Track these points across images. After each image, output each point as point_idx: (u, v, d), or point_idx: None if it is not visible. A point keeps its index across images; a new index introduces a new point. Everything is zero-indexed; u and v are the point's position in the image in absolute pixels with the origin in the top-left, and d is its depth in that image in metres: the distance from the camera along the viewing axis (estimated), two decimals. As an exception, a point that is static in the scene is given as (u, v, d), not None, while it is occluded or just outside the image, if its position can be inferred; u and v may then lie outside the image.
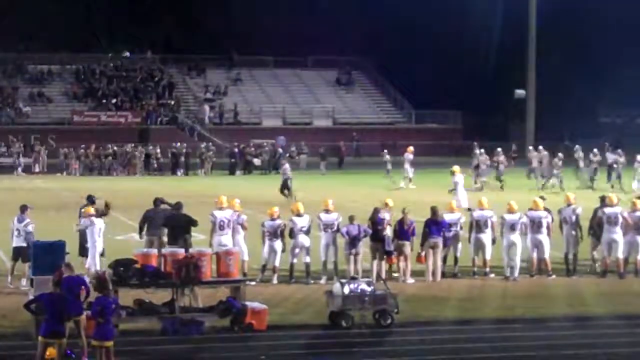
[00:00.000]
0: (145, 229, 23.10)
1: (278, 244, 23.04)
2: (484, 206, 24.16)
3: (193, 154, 64.18)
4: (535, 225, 23.69)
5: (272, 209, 23.51)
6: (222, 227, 23.14)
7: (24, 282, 21.86)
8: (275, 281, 22.95)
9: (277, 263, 23.09)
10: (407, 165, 50.60)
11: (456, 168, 38.64)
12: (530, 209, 24.09)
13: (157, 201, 23.78)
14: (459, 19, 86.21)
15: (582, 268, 24.48)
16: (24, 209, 22.93)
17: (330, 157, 67.33)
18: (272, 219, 23.16)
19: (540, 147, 53.51)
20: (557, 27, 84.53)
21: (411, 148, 51.73)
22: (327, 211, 23.48)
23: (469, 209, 30.12)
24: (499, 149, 53.12)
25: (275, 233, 23.04)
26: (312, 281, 22.82)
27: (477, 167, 50.44)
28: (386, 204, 24.27)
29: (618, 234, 23.83)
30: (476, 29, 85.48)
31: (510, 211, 23.88)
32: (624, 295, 21.85)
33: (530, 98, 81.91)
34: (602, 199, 25.02)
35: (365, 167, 63.41)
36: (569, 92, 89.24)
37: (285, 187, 43.33)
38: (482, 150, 52.23)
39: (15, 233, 22.49)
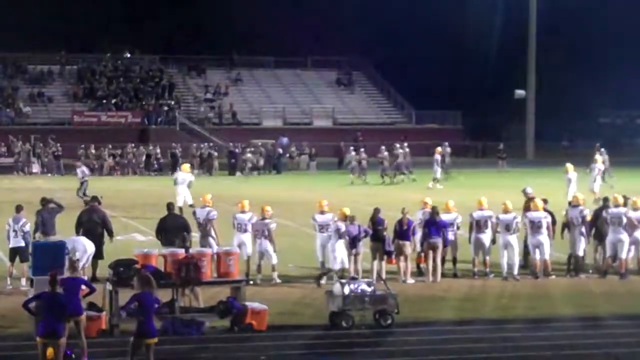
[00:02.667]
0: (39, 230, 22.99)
1: (267, 244, 22.95)
2: (483, 206, 24.15)
3: (192, 155, 64.25)
4: (535, 226, 23.67)
5: (265, 207, 23.47)
6: (199, 225, 23.26)
7: (23, 281, 21.84)
8: (277, 280, 22.87)
9: (274, 261, 22.99)
10: (436, 166, 50.46)
11: (186, 167, 38.80)
12: (530, 210, 24.08)
13: (44, 201, 23.75)
14: (459, 19, 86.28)
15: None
16: (19, 209, 22.89)
17: (331, 157, 67.40)
18: (263, 218, 23.13)
19: (405, 144, 57.45)
20: (557, 27, 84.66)
21: (439, 149, 51.75)
22: (322, 212, 23.44)
23: (191, 206, 32.81)
24: (383, 147, 56.61)
25: (263, 232, 22.95)
26: (330, 281, 22.45)
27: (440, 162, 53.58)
28: (425, 203, 24.20)
29: (624, 234, 23.82)
30: (476, 29, 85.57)
31: (506, 211, 23.87)
32: (625, 296, 21.85)
33: (530, 98, 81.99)
34: (606, 200, 24.99)
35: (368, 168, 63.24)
36: (569, 92, 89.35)
37: (81, 189, 41.53)
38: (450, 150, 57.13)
39: (13, 234, 22.40)
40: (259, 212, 23.37)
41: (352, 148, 61.16)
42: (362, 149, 58.56)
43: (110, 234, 23.46)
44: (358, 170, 55.97)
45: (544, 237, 23.65)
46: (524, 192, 26.17)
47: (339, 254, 22.31)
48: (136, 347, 14.61)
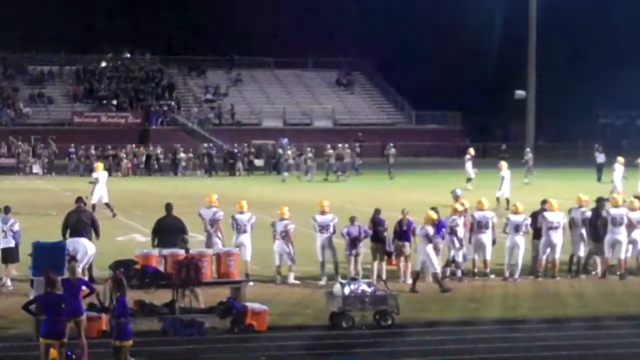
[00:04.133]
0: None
1: (285, 245, 22.90)
2: (484, 207, 24.12)
3: (201, 154, 64.34)
4: (554, 227, 23.62)
5: (283, 209, 23.45)
6: (205, 226, 23.28)
7: (8, 282, 21.85)
8: (293, 281, 22.89)
9: (291, 263, 23.00)
10: (467, 167, 50.43)
11: (101, 165, 39.45)
12: (546, 210, 24.00)
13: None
14: (459, 20, 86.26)
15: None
16: (7, 209, 22.76)
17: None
18: (281, 219, 23.12)
19: (344, 145, 61.41)
20: (557, 27, 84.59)
21: (471, 150, 51.89)
22: (322, 212, 23.42)
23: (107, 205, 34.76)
24: (329, 145, 60.77)
25: (281, 233, 22.91)
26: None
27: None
28: (455, 209, 23.75)
29: (622, 235, 23.80)
30: (476, 30, 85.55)
31: (516, 212, 23.83)
32: (625, 296, 21.85)
33: (530, 99, 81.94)
34: (600, 199, 24.93)
35: (365, 168, 63.42)
36: (570, 93, 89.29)
37: None
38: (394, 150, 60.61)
39: (2, 235, 22.24)
40: (258, 212, 23.38)
41: (288, 146, 62.62)
42: (308, 147, 60.64)
43: (97, 234, 23.10)
44: (293, 168, 58.51)
45: (558, 237, 23.61)
46: (453, 193, 25.82)
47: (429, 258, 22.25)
48: (117, 349, 14.72)
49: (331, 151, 59.81)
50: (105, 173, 38.32)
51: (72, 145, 64.81)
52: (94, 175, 37.74)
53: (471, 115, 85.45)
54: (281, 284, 22.82)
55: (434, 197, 37.72)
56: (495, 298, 21.58)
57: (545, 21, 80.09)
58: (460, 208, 23.37)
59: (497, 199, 38.71)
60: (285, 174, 57.61)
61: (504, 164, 40.74)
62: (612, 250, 23.94)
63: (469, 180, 49.32)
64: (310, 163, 58.32)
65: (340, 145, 61.03)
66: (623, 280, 23.61)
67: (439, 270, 22.26)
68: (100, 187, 36.70)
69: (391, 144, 62.20)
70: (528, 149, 57.36)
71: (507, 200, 37.42)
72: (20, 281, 21.99)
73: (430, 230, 22.26)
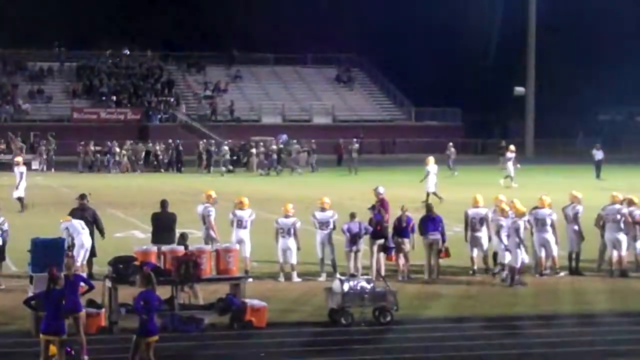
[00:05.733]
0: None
1: (292, 242, 22.94)
2: (479, 204, 24.10)
3: (192, 151, 64.24)
4: (540, 223, 23.60)
5: (287, 206, 23.44)
6: (203, 222, 23.36)
7: None
8: (296, 279, 22.88)
9: (294, 261, 22.98)
10: (509, 164, 50.22)
11: (19, 159, 40.19)
12: (536, 207, 23.97)
13: None
14: (459, 17, 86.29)
15: (584, 265, 24.40)
16: None
17: (330, 154, 67.51)
18: (286, 216, 23.12)
19: (292, 141, 63.99)
20: (557, 24, 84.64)
21: (512, 147, 51.74)
22: (322, 209, 23.42)
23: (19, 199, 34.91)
24: (273, 140, 63.15)
25: (289, 231, 22.94)
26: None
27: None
28: (502, 209, 23.41)
29: (620, 233, 23.72)
30: (476, 27, 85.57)
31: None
32: (625, 293, 21.84)
33: (529, 95, 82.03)
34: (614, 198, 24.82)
35: (364, 164, 63.41)
36: (569, 90, 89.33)
37: None
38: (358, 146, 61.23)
39: None
40: (258, 209, 23.36)
41: (226, 143, 63.73)
42: (261, 143, 62.65)
43: (102, 233, 23.20)
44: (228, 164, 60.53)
45: (549, 234, 23.56)
46: (376, 191, 25.45)
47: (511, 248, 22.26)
48: (138, 345, 14.66)
49: (274, 147, 61.21)
50: (25, 167, 38.69)
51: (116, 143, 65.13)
52: (19, 170, 37.76)
53: (471, 111, 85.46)
54: (283, 281, 22.80)
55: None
56: (493, 295, 21.57)
57: (544, 18, 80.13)
58: (507, 208, 23.14)
59: (428, 194, 39.73)
60: (300, 170, 59.00)
61: (431, 159, 41.59)
62: (612, 247, 23.91)
63: (508, 177, 49.06)
64: (262, 158, 60.27)
65: (294, 141, 62.87)
66: (624, 277, 23.59)
67: (518, 265, 22.26)
68: (23, 182, 37.04)
69: (354, 140, 62.63)
70: (451, 144, 58.53)
71: (435, 194, 39.70)
72: (19, 277, 22.03)
73: (521, 224, 22.30)
